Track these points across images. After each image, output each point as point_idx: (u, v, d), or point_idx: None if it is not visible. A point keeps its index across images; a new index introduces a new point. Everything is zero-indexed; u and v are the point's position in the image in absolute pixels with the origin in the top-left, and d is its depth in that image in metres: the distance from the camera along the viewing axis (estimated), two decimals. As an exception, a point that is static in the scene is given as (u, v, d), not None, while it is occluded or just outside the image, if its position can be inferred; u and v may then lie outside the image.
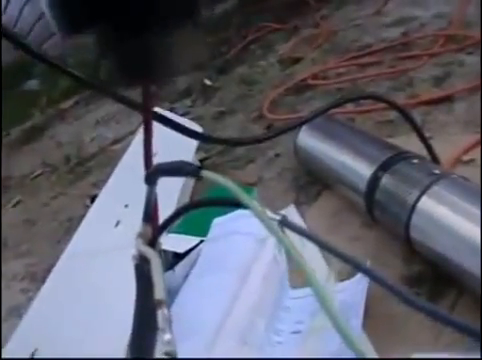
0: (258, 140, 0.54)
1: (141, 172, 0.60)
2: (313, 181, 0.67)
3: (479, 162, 0.55)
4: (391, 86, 0.78)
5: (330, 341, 0.45)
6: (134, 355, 0.29)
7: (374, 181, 0.50)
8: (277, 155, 0.77)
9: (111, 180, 0.65)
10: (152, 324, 0.29)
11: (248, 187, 0.67)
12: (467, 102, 0.67)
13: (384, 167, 0.50)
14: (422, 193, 0.45)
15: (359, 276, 0.48)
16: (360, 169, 0.53)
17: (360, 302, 0.45)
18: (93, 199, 0.86)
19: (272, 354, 0.46)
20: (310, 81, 0.91)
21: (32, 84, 1.78)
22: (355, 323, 0.43)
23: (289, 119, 0.84)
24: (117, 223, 0.56)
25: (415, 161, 0.49)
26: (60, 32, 0.25)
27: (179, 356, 0.31)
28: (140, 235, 0.28)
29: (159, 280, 0.23)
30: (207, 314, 0.40)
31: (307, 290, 0.52)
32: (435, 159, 0.54)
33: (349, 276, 0.50)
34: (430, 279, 0.47)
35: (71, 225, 0.82)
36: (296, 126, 0.57)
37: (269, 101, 0.90)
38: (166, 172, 0.27)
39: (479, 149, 0.57)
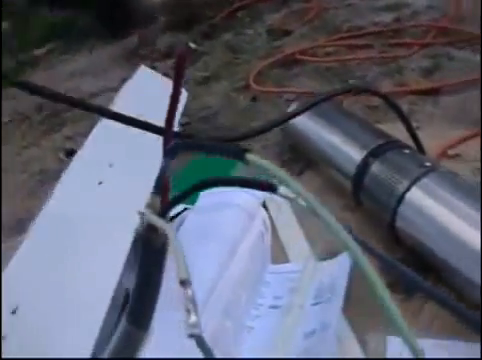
0: (248, 136, 0.54)
1: (127, 130, 0.58)
2: (296, 158, 0.67)
3: (465, 157, 0.56)
4: (380, 71, 0.78)
5: (307, 321, 0.46)
6: (132, 325, 0.29)
7: (364, 166, 0.51)
8: (261, 128, 0.77)
9: (92, 136, 0.63)
10: (153, 296, 0.29)
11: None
12: (455, 97, 0.68)
13: (375, 154, 0.51)
14: (412, 184, 0.45)
15: (342, 257, 0.49)
16: (350, 152, 0.54)
17: (342, 283, 0.45)
18: (68, 153, 0.84)
19: (250, 328, 0.46)
20: (298, 56, 0.90)
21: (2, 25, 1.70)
22: (336, 304, 0.44)
23: (274, 93, 0.84)
24: (100, 183, 0.54)
25: (406, 151, 0.50)
26: None
27: (158, 327, 0.31)
28: (149, 205, 0.28)
29: (181, 258, 0.23)
30: (193, 285, 0.40)
31: (287, 266, 0.53)
32: (421, 150, 0.55)
33: (332, 256, 0.50)
34: (410, 267, 0.48)
35: (43, 178, 0.80)
36: (287, 120, 0.57)
37: (256, 72, 0.89)
38: (196, 148, 0.26)
39: (465, 145, 0.58)
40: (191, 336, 0.20)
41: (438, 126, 0.64)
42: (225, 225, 0.44)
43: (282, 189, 0.23)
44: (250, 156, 0.23)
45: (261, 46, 1.04)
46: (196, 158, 0.64)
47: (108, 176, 0.56)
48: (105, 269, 0.44)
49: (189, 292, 0.22)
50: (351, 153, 0.54)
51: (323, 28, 1.00)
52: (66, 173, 0.59)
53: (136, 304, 0.28)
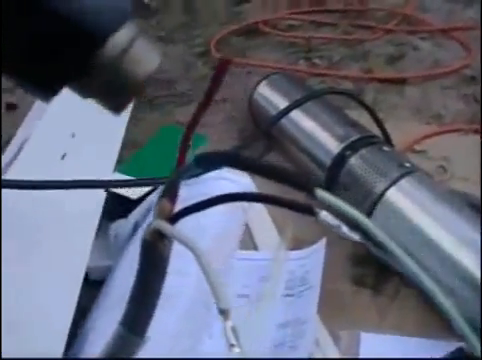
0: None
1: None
2: (258, 134, 0.66)
3: (430, 154, 0.58)
4: (346, 54, 0.78)
5: (278, 312, 0.46)
6: (128, 330, 0.27)
7: (341, 159, 0.51)
8: (224, 100, 0.75)
9: (53, 104, 0.58)
10: (152, 303, 0.27)
11: (200, 134, 0.65)
12: (420, 89, 0.69)
13: (353, 147, 0.51)
14: (391, 184, 0.46)
15: (315, 249, 0.49)
16: (326, 142, 0.53)
17: (317, 277, 0.45)
18: (9, 106, 0.78)
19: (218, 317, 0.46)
20: (262, 27, 0.88)
21: None
22: (312, 299, 0.44)
23: (237, 63, 0.81)
24: (63, 156, 0.50)
25: (385, 149, 0.50)
26: None
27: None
28: (159, 209, 0.26)
29: (219, 285, 0.21)
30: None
31: (256, 254, 0.52)
32: (390, 145, 0.56)
33: (303, 244, 0.50)
34: (377, 263, 0.49)
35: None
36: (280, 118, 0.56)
37: (217, 39, 0.86)
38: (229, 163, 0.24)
39: (430, 140, 0.60)
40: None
41: (402, 118, 0.65)
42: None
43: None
44: (320, 192, 0.21)
45: (219, 9, 1.00)
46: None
47: (71, 147, 0.52)
48: (72, 256, 0.42)
49: (230, 324, 0.20)
50: (327, 143, 0.53)
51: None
52: (28, 145, 0.54)
53: (134, 309, 0.27)
